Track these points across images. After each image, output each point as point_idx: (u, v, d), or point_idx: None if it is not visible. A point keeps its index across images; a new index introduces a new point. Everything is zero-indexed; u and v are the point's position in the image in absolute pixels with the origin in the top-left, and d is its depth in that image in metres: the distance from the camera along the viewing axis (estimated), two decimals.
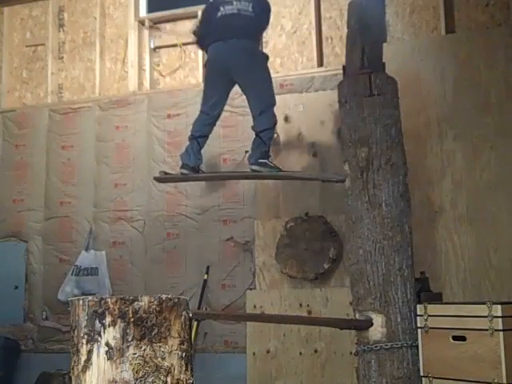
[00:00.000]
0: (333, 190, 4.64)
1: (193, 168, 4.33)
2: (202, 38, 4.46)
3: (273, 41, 5.52)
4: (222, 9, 4.31)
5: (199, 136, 4.33)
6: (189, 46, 5.83)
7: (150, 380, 2.07)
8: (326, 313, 4.64)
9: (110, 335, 2.09)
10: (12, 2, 6.35)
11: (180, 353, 2.15)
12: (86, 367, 2.10)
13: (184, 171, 4.34)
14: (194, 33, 4.61)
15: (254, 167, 4.19)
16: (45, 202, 5.87)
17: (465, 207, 4.56)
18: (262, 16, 4.38)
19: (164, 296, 2.16)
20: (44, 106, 6.10)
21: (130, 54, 5.96)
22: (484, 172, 4.56)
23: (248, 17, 4.29)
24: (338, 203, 4.32)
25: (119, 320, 2.09)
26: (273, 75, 5.38)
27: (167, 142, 5.58)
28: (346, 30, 3.94)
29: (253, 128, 4.26)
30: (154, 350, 2.09)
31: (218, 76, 4.29)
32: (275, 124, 4.29)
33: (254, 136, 4.27)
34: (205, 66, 4.48)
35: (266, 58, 4.44)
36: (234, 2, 4.31)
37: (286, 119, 5.15)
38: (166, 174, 4.60)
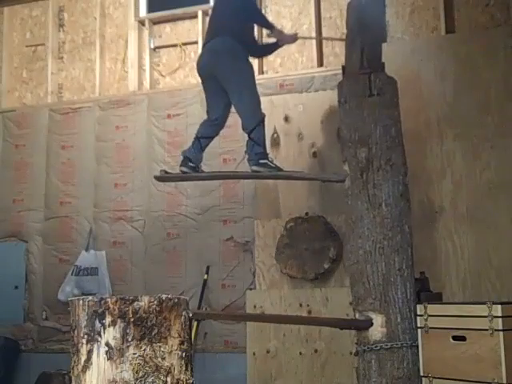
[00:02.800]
0: (333, 189, 4.65)
1: (192, 167, 4.33)
2: None
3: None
4: None
5: (201, 137, 4.36)
6: (189, 46, 5.84)
7: (150, 380, 2.07)
8: (326, 313, 4.64)
9: (110, 335, 2.09)
10: (12, 1, 6.35)
11: (180, 353, 2.15)
12: (85, 367, 2.10)
13: (184, 169, 4.34)
14: None
15: (254, 168, 4.17)
16: (45, 202, 5.87)
17: (465, 207, 4.56)
18: (222, 8, 4.34)
19: (164, 296, 2.16)
20: (44, 106, 6.10)
21: (129, 54, 5.96)
22: (484, 172, 4.56)
23: (212, 18, 4.43)
24: (338, 203, 4.32)
25: (119, 320, 2.09)
26: (273, 75, 5.41)
27: (167, 142, 5.58)
28: (345, 30, 3.93)
29: (243, 129, 4.24)
30: (154, 350, 2.09)
31: (206, 82, 4.33)
32: (262, 119, 4.17)
33: (247, 137, 4.26)
34: None
35: (242, 50, 4.28)
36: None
37: (286, 119, 5.16)
38: (166, 173, 4.60)
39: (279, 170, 4.21)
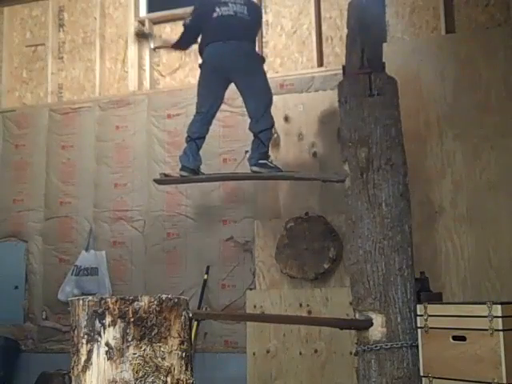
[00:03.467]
0: (333, 189, 4.64)
1: (192, 170, 4.33)
2: (200, 41, 4.45)
3: (273, 41, 5.52)
4: (217, 9, 4.29)
5: (197, 137, 4.34)
6: None
7: (150, 380, 2.07)
8: (326, 313, 4.64)
9: (110, 335, 2.09)
10: (12, 1, 6.36)
11: (180, 353, 2.15)
12: (85, 367, 2.10)
13: (184, 173, 4.34)
14: (184, 25, 4.53)
15: (254, 168, 4.19)
16: (45, 202, 5.87)
17: (465, 207, 4.56)
18: (255, 19, 4.49)
19: (164, 296, 2.16)
20: (44, 106, 6.10)
21: (129, 54, 5.96)
22: (484, 172, 4.56)
23: (244, 19, 4.32)
24: (338, 203, 4.32)
25: (119, 320, 2.09)
26: (273, 75, 5.41)
27: (167, 142, 5.58)
28: (346, 30, 3.93)
29: (250, 129, 4.25)
30: (153, 350, 2.09)
31: (215, 76, 4.29)
32: (273, 124, 4.30)
33: (252, 136, 4.27)
34: (200, 66, 4.44)
35: (263, 60, 4.55)
36: (230, 4, 4.30)
37: (286, 119, 5.16)
38: (165, 176, 4.60)
39: (278, 170, 4.22)
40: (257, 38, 4.64)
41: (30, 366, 5.47)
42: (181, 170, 4.36)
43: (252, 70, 4.28)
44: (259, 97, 4.26)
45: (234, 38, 4.22)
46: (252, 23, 4.41)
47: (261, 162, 4.16)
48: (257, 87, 4.27)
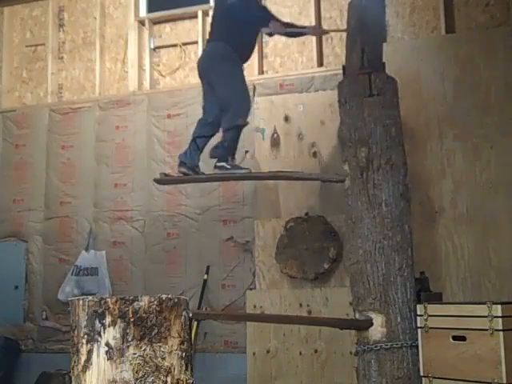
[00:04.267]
0: (333, 189, 4.65)
1: (190, 167, 4.33)
2: None
3: (273, 41, 5.51)
4: None
5: (197, 136, 4.35)
6: (189, 46, 5.85)
7: (150, 380, 2.07)
8: (326, 313, 4.64)
9: (110, 335, 2.09)
10: (12, 1, 6.36)
11: (180, 353, 2.15)
12: (85, 367, 2.10)
13: (182, 170, 4.34)
14: None
15: (215, 170, 4.24)
16: (45, 202, 5.87)
17: (465, 207, 4.56)
18: (219, 12, 4.37)
19: (164, 296, 2.16)
20: (44, 105, 6.10)
21: (129, 54, 5.96)
22: (484, 172, 4.56)
23: (213, 18, 4.44)
24: (338, 203, 4.32)
25: (119, 320, 2.09)
26: (273, 75, 5.41)
27: (167, 142, 5.58)
28: None
29: (221, 126, 4.25)
30: (154, 350, 2.09)
31: (202, 82, 4.38)
32: (241, 126, 4.17)
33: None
34: None
35: (232, 53, 4.25)
36: None
37: (286, 119, 5.16)
38: (165, 175, 4.60)
39: (242, 168, 4.24)
40: (240, 30, 4.22)
41: (30, 366, 5.47)
42: (178, 166, 4.37)
43: (214, 69, 4.24)
44: (223, 93, 4.19)
45: (208, 42, 4.41)
46: (217, 18, 4.35)
47: (218, 164, 4.19)
48: (221, 85, 4.22)
